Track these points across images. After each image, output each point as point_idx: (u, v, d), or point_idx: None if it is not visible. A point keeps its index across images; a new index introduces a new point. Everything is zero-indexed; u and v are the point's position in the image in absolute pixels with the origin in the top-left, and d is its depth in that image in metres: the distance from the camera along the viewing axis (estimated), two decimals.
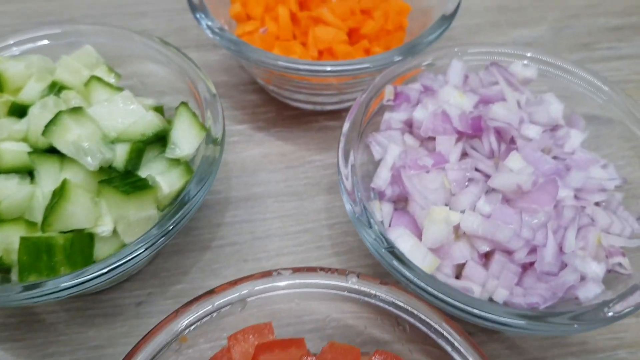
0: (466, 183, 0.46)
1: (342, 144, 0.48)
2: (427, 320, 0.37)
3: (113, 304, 0.52)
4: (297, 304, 0.41)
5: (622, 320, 0.39)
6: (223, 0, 0.67)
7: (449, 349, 0.36)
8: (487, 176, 0.47)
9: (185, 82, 0.53)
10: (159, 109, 0.50)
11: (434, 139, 0.49)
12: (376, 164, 0.50)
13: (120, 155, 0.45)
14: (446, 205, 0.46)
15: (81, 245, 0.44)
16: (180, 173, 0.46)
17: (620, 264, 0.44)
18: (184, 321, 0.37)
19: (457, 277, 0.45)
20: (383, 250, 0.42)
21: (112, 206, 0.44)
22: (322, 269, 0.40)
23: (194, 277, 0.53)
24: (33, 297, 0.40)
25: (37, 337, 0.49)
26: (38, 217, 0.44)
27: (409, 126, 0.51)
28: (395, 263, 0.41)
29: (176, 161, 0.47)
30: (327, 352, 0.36)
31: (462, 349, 0.36)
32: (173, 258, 0.54)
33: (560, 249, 0.43)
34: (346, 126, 0.50)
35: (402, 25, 0.64)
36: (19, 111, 0.49)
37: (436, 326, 0.37)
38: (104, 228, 0.44)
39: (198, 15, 0.58)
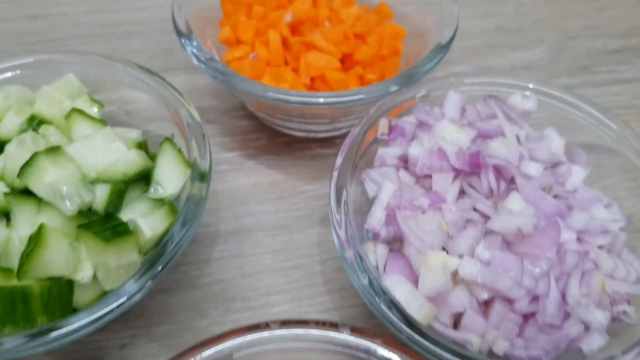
0: (464, 224, 0.44)
1: (333, 183, 0.46)
2: None
3: (95, 347, 0.49)
4: (286, 359, 0.39)
5: None
6: (212, 22, 0.65)
7: None
8: (486, 217, 0.45)
9: (169, 111, 0.51)
10: (142, 144, 0.48)
11: (430, 176, 0.47)
12: (370, 200, 0.48)
13: (100, 197, 0.42)
14: (443, 248, 0.44)
15: (59, 293, 0.41)
16: (163, 214, 0.44)
17: (625, 312, 0.42)
18: None
19: (455, 325, 0.43)
20: (377, 300, 0.40)
21: (91, 252, 0.41)
22: (313, 321, 0.38)
23: (180, 318, 0.51)
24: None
25: None
26: (14, 262, 0.42)
27: (404, 161, 0.49)
28: (390, 315, 0.39)
29: (160, 201, 0.45)
30: None
31: None
32: (158, 297, 0.52)
33: (563, 297, 0.41)
34: (339, 160, 0.48)
35: (397, 50, 0.62)
36: None
37: None
38: (83, 274, 0.42)
39: (183, 41, 0.56)
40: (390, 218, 0.46)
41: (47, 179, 0.41)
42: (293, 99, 0.51)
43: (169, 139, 0.47)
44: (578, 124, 0.53)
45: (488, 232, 0.44)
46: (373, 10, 0.67)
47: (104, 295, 0.43)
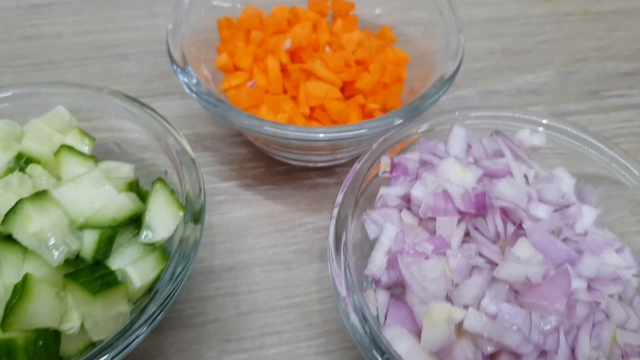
0: (469, 272, 0.42)
1: (332, 227, 0.44)
2: None
3: None
4: None
5: None
6: (209, 45, 0.63)
7: None
8: (492, 263, 0.43)
9: (160, 144, 0.49)
10: (133, 184, 0.46)
11: (434, 218, 0.45)
12: (371, 241, 0.46)
13: (88, 244, 0.41)
14: (447, 296, 0.42)
15: (45, 345, 0.40)
16: (154, 261, 0.42)
17: None
18: None
19: None
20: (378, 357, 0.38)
21: (78, 303, 0.39)
22: None
23: None
24: None
25: None
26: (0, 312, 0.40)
27: (407, 201, 0.47)
28: None
29: (151, 246, 0.43)
30: None
31: None
32: (151, 337, 0.50)
33: (572, 352, 0.39)
34: (340, 198, 0.46)
35: (400, 77, 0.60)
36: None
37: None
38: (70, 325, 0.40)
39: (178, 71, 0.54)
40: (392, 263, 0.43)
41: (32, 227, 0.39)
42: (291, 134, 0.49)
43: (161, 179, 0.45)
44: (585, 156, 0.51)
45: (494, 280, 0.42)
46: (375, 34, 0.65)
47: (91, 346, 0.41)
